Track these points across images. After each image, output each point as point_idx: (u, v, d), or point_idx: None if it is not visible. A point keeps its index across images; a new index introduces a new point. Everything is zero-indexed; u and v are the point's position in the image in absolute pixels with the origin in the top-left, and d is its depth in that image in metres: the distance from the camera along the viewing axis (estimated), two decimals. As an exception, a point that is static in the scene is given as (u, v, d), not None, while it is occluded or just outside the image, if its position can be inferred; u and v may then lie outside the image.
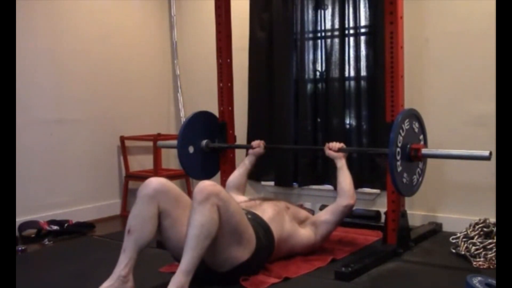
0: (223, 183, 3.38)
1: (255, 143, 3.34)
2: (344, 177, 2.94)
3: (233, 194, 3.11)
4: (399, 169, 2.68)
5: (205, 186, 2.28)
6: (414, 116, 2.85)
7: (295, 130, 3.94)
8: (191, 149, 3.37)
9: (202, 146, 3.40)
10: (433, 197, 3.46)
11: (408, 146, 2.75)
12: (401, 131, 2.69)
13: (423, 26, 3.44)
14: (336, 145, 3.02)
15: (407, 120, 2.76)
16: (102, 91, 4.14)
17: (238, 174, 3.25)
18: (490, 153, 2.57)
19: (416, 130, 2.85)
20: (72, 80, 3.94)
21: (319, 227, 2.87)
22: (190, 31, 4.58)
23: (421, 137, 2.91)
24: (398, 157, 2.67)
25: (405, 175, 2.74)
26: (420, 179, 2.91)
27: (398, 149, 2.67)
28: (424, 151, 2.78)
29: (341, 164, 2.97)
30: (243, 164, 3.30)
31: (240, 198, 3.02)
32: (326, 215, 2.90)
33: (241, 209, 2.51)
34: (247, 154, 3.42)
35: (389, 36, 2.95)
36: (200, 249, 2.19)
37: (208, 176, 3.38)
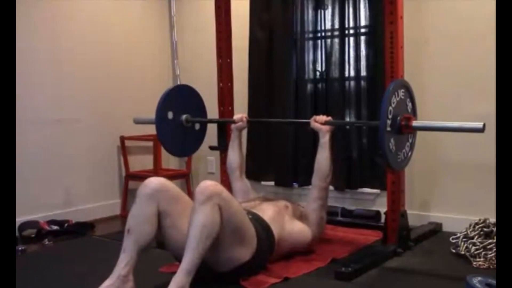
0: (223, 182, 3.38)
1: (237, 117, 3.22)
2: (322, 155, 2.84)
3: (236, 179, 3.17)
4: (390, 139, 2.51)
5: (207, 186, 2.28)
6: (405, 86, 2.68)
7: (295, 130, 3.94)
8: (170, 118, 3.22)
9: (182, 120, 3.30)
10: (433, 197, 3.46)
11: (399, 117, 2.57)
12: (393, 99, 2.53)
13: (423, 26, 3.44)
14: (323, 118, 2.90)
15: (402, 90, 2.61)
16: (102, 91, 4.14)
17: (233, 153, 3.20)
18: (484, 125, 2.45)
19: (408, 103, 2.69)
20: (72, 80, 3.93)
21: (309, 216, 2.88)
22: (190, 31, 4.58)
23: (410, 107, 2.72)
24: (389, 128, 2.50)
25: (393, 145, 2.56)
26: (409, 153, 2.73)
27: (389, 121, 2.49)
28: (415, 123, 2.62)
29: (325, 139, 2.84)
30: (231, 141, 3.23)
31: (241, 187, 3.08)
32: (311, 204, 2.91)
33: (242, 209, 2.51)
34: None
35: (389, 36, 2.94)
36: (202, 249, 2.19)
37: (186, 152, 3.27)
